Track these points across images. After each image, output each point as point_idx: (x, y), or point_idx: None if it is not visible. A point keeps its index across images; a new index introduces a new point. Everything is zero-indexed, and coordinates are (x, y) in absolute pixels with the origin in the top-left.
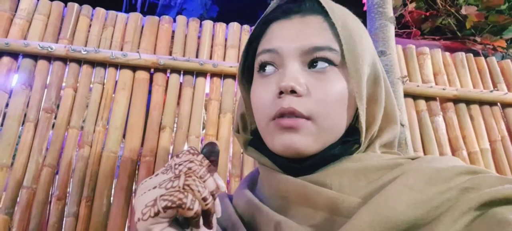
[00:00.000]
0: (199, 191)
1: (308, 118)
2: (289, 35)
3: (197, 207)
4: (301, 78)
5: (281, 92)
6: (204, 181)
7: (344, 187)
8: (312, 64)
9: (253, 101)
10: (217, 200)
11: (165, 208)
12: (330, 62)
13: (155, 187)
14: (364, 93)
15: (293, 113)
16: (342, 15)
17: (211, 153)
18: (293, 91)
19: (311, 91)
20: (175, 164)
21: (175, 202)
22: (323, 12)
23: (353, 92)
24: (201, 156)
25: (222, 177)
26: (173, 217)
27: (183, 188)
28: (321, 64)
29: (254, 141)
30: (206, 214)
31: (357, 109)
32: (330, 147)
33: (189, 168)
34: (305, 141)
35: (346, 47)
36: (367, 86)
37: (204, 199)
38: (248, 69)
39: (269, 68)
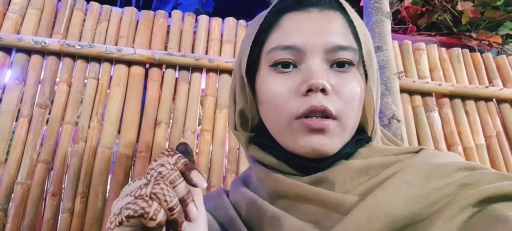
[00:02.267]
0: (165, 200)
1: (335, 118)
2: (310, 30)
3: (161, 217)
4: (328, 76)
5: (309, 90)
6: (174, 187)
7: (346, 183)
8: (334, 63)
9: (268, 97)
10: (195, 203)
11: (128, 217)
12: (350, 62)
13: (127, 195)
14: (378, 91)
15: (324, 112)
16: (354, 13)
17: (184, 154)
18: (322, 90)
19: (336, 90)
20: (149, 168)
21: (137, 211)
22: (340, 9)
23: (367, 91)
24: (176, 156)
25: (218, 173)
26: (137, 226)
27: (150, 196)
28: (344, 65)
29: (256, 138)
30: (173, 224)
31: (364, 106)
32: (346, 145)
33: (159, 173)
34: (333, 142)
35: (365, 48)
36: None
37: (171, 209)
38: (252, 62)
39: (286, 64)
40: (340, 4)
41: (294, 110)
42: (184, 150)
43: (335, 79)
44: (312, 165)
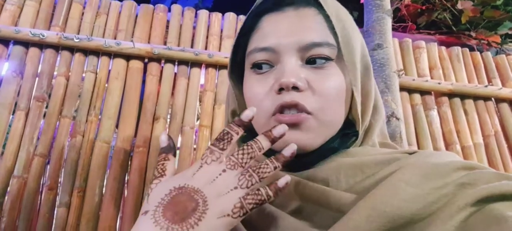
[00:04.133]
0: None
1: (309, 113)
2: (284, 30)
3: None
4: (301, 73)
5: (281, 89)
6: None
7: (341, 182)
8: (309, 60)
9: (248, 98)
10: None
11: (253, 206)
12: (327, 58)
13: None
14: (359, 85)
15: (296, 106)
16: (334, 6)
17: (167, 150)
18: (294, 88)
19: (311, 86)
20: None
21: (261, 199)
22: (316, 4)
23: (349, 85)
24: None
25: None
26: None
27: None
28: (319, 61)
29: (247, 137)
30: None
31: (351, 102)
32: (330, 140)
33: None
34: (308, 137)
35: (342, 41)
36: (360, 79)
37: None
38: (238, 63)
39: (264, 66)
40: (317, 0)
41: (269, 109)
42: (170, 145)
43: (310, 75)
44: (293, 160)
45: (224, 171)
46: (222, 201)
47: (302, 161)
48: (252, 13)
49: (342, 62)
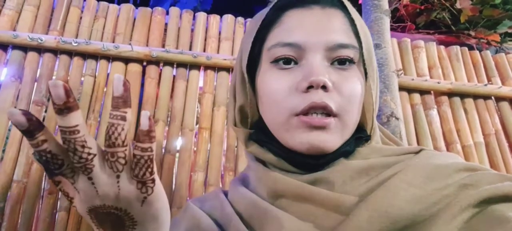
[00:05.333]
0: None
1: (336, 115)
2: (312, 28)
3: None
4: (328, 73)
5: (309, 87)
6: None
7: (346, 184)
8: (335, 61)
9: (267, 93)
10: None
11: None
12: (351, 60)
13: None
14: (378, 90)
15: (325, 108)
16: (355, 11)
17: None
18: (323, 87)
19: (336, 87)
20: None
21: None
22: (341, 6)
23: (367, 89)
24: None
25: (216, 171)
26: None
27: None
28: (344, 63)
29: (256, 135)
30: None
31: (363, 105)
32: (346, 143)
33: None
34: (333, 139)
35: (365, 46)
36: None
37: None
38: (254, 57)
39: (288, 62)
40: (342, 2)
41: (293, 107)
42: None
43: (336, 76)
44: (311, 161)
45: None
46: None
47: (318, 162)
48: (275, 7)
49: (361, 66)
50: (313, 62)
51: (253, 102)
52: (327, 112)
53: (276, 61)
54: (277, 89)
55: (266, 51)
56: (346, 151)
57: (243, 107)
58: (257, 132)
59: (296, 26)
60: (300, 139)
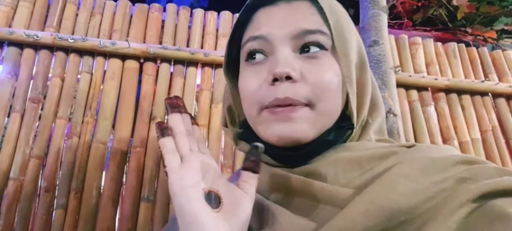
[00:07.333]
0: None
1: (305, 104)
2: (277, 21)
3: None
4: (295, 63)
5: (275, 80)
6: None
7: (339, 177)
8: (303, 49)
9: (242, 91)
10: None
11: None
12: (321, 46)
13: None
14: (354, 77)
15: (290, 105)
16: (328, 0)
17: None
18: (288, 78)
19: (305, 76)
20: None
21: None
22: None
23: (344, 76)
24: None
25: None
26: None
27: None
28: (313, 49)
29: (244, 133)
30: None
31: (347, 95)
32: (325, 133)
33: None
34: (303, 128)
35: (335, 31)
36: (355, 72)
37: None
38: (233, 60)
39: (258, 56)
40: None
41: (262, 100)
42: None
43: (304, 65)
44: (289, 153)
45: None
46: None
47: (298, 154)
48: (246, 9)
49: (337, 54)
50: (279, 54)
51: (238, 102)
52: (294, 105)
53: (248, 58)
54: (249, 85)
55: (242, 49)
56: (327, 140)
57: (231, 107)
58: (244, 130)
59: (264, 21)
60: (271, 130)
